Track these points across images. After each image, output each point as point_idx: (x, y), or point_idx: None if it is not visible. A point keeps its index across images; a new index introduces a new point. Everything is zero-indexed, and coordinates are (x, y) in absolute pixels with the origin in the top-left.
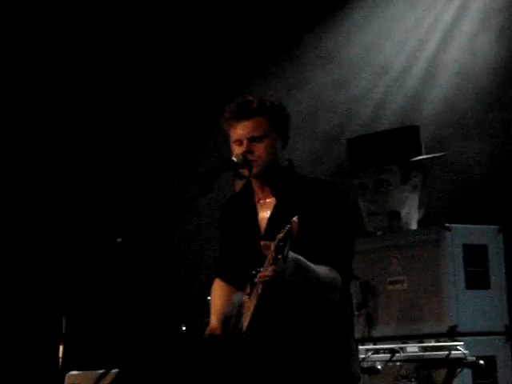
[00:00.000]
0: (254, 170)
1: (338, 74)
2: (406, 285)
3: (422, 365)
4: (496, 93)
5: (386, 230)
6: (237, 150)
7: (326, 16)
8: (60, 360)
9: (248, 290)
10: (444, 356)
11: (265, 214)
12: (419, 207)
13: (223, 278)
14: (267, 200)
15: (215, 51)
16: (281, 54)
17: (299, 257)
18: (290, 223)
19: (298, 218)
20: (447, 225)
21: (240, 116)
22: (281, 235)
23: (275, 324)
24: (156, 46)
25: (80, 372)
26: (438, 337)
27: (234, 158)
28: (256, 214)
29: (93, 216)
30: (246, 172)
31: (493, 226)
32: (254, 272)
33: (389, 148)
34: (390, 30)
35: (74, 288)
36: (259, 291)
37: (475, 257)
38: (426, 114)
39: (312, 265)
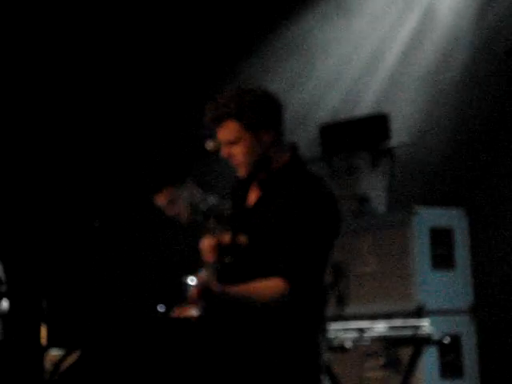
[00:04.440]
0: (242, 172)
1: (309, 59)
2: (374, 266)
3: (389, 343)
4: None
5: (356, 214)
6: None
7: None
8: (42, 340)
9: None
10: (411, 334)
11: (253, 197)
12: (388, 191)
13: None
14: (257, 186)
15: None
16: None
17: (226, 292)
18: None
19: (273, 214)
20: (414, 208)
21: (212, 123)
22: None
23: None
24: (153, 33)
25: (60, 351)
26: (405, 316)
27: (206, 146)
28: (246, 196)
29: (72, 198)
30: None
31: (458, 209)
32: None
33: (359, 135)
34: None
35: (53, 270)
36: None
37: (441, 239)
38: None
39: (242, 289)
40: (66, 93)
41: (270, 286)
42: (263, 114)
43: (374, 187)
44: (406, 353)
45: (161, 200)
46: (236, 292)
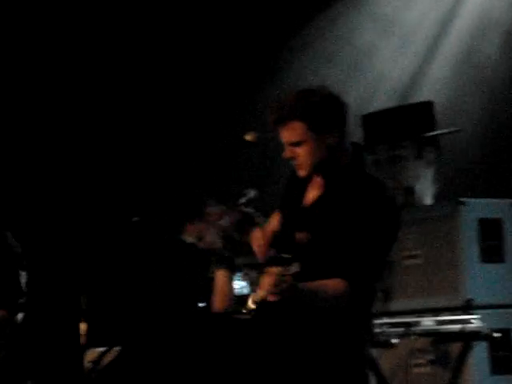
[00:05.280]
0: (302, 173)
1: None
2: (421, 259)
3: (437, 338)
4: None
5: (401, 206)
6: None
7: None
8: (81, 337)
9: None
10: (459, 329)
11: (313, 193)
12: (434, 182)
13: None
14: (319, 184)
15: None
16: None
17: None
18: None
19: (336, 215)
20: (462, 199)
21: (276, 123)
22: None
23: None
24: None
25: (100, 349)
26: (453, 310)
27: (247, 137)
28: (304, 191)
29: (110, 194)
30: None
31: (507, 200)
32: (278, 255)
33: (403, 124)
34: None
35: (92, 266)
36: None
37: (490, 230)
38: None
39: (310, 286)
40: (117, 93)
41: (331, 287)
42: (329, 116)
43: (419, 178)
44: (454, 348)
45: (188, 239)
46: (304, 288)
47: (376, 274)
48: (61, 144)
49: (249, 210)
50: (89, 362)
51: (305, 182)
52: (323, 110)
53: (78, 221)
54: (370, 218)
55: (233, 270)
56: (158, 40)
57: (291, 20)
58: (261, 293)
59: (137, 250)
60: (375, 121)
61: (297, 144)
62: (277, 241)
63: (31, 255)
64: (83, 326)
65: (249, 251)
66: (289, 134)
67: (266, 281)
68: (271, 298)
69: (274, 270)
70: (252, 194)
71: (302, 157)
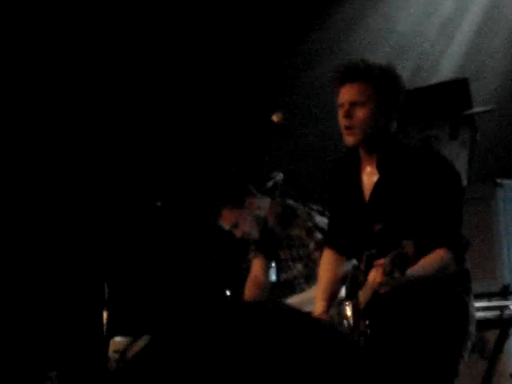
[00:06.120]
0: (351, 139)
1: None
2: None
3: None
4: None
5: None
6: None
7: None
8: (104, 326)
9: (362, 267)
10: (497, 316)
11: (369, 181)
12: (469, 163)
13: (332, 246)
14: (372, 167)
15: None
16: None
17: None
18: (403, 249)
19: (403, 194)
20: (499, 180)
21: (344, 79)
22: (396, 254)
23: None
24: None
25: (124, 338)
26: (490, 296)
27: (273, 118)
28: (360, 181)
29: (133, 180)
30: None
31: None
32: (368, 253)
33: (437, 102)
34: None
35: (115, 253)
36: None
37: None
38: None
39: (416, 271)
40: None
41: (438, 259)
42: (396, 91)
43: (454, 159)
44: (491, 335)
45: (223, 225)
46: (411, 275)
47: (461, 230)
48: (91, 128)
49: (290, 202)
50: (114, 351)
51: (355, 169)
52: (394, 84)
53: (101, 208)
54: (445, 186)
55: (270, 259)
56: (184, 27)
57: (331, 2)
58: (362, 297)
59: (160, 235)
60: (407, 100)
61: (359, 104)
62: (356, 235)
63: (54, 245)
64: (105, 315)
65: (291, 244)
66: (354, 92)
67: (374, 274)
68: (382, 290)
69: (381, 261)
70: (279, 177)
71: (358, 119)
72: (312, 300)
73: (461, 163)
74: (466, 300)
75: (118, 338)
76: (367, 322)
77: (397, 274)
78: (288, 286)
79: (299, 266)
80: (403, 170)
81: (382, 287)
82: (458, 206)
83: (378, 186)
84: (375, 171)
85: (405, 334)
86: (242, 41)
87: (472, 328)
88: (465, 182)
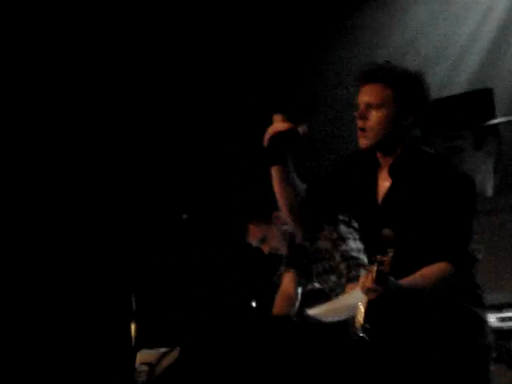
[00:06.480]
0: (364, 142)
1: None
2: (482, 254)
3: (500, 335)
4: None
5: None
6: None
7: None
8: (132, 338)
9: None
10: None
11: (383, 186)
12: (494, 173)
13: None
14: (387, 172)
15: None
16: None
17: (399, 283)
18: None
19: (415, 201)
20: None
21: (366, 79)
22: (383, 259)
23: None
24: None
25: (152, 350)
26: None
27: (298, 129)
28: (376, 184)
29: (159, 192)
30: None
31: None
32: (372, 258)
33: (461, 113)
34: None
35: (142, 265)
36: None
37: None
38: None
39: (413, 280)
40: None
41: (438, 272)
42: (415, 96)
43: (479, 169)
44: None
45: (251, 241)
46: (409, 284)
47: (470, 244)
48: (123, 136)
49: None
50: (141, 363)
51: (373, 171)
52: (415, 91)
53: (129, 219)
54: (456, 198)
55: (304, 274)
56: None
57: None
58: (359, 317)
59: (188, 248)
60: (430, 110)
61: (374, 107)
62: (365, 240)
63: (83, 256)
64: (133, 327)
65: (320, 258)
66: (371, 93)
67: (364, 279)
68: (371, 296)
69: (373, 268)
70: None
71: (372, 122)
72: (343, 308)
73: (486, 173)
74: (480, 314)
75: (145, 351)
76: (367, 326)
77: (390, 281)
78: (327, 299)
79: (333, 278)
80: (417, 178)
81: (370, 293)
82: (468, 221)
83: (390, 191)
84: (388, 177)
85: (418, 354)
86: (267, 56)
87: (490, 339)
88: (490, 193)
